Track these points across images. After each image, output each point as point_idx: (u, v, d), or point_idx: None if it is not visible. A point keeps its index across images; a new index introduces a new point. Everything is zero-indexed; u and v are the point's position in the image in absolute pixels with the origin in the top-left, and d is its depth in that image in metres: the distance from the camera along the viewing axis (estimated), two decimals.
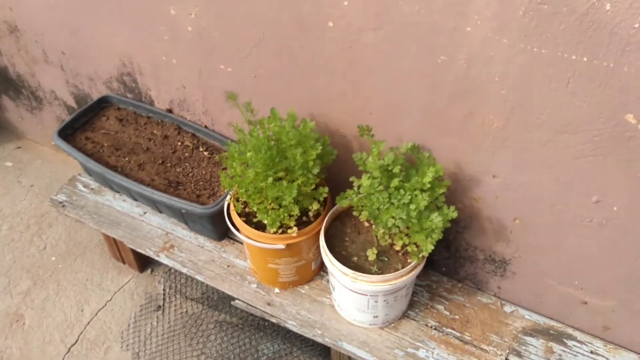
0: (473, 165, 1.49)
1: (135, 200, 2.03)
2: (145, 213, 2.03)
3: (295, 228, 1.56)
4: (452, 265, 1.79)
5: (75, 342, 2.09)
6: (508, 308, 1.74)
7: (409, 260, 1.55)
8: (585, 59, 1.16)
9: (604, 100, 1.19)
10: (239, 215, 1.63)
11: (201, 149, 1.98)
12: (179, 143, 2.00)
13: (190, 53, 1.79)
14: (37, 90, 2.48)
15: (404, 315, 1.72)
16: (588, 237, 1.45)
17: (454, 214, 1.44)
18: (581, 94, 1.21)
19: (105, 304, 2.20)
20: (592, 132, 1.25)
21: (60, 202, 2.07)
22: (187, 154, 1.97)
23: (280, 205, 1.55)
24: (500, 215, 1.55)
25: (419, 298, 1.77)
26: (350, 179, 1.53)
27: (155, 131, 2.04)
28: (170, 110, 2.07)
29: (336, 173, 1.74)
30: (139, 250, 1.94)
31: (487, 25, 1.21)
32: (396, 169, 1.45)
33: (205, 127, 2.02)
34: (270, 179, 1.49)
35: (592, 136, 1.26)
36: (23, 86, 2.52)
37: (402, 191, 1.45)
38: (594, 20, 1.10)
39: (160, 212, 1.98)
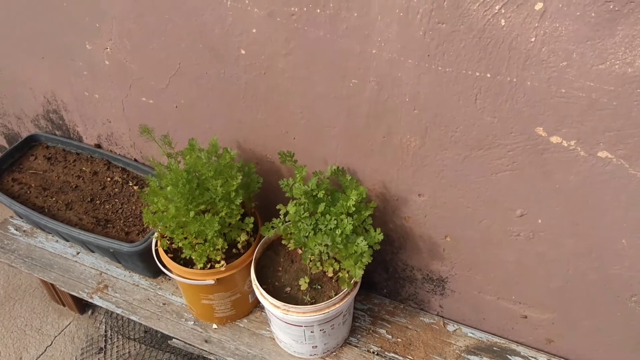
0: (398, 184, 1.46)
1: (67, 241, 1.96)
2: (78, 253, 1.96)
3: (223, 262, 1.52)
4: (392, 286, 1.76)
5: None
6: (451, 327, 1.72)
7: (342, 287, 1.51)
8: (488, 75, 1.14)
9: (512, 115, 1.18)
10: (166, 252, 1.58)
11: (131, 184, 1.92)
12: (109, 179, 1.94)
13: (111, 87, 1.75)
14: None
15: (346, 343, 1.68)
16: (517, 250, 1.43)
17: (380, 236, 1.41)
18: (490, 110, 1.20)
19: (45, 350, 2.11)
20: (506, 147, 1.24)
21: None
22: (116, 190, 1.91)
23: (205, 240, 1.50)
24: (432, 233, 1.53)
25: (361, 323, 1.73)
26: (277, 207, 1.49)
27: (84, 168, 1.98)
28: (99, 146, 2.02)
29: (267, 200, 1.70)
30: (72, 293, 1.87)
31: (391, 47, 1.20)
32: (321, 194, 1.42)
33: (135, 160, 1.97)
34: (192, 213, 1.45)
35: (507, 151, 1.25)
36: None
37: (328, 216, 1.42)
38: (492, 37, 1.09)
39: (93, 251, 1.92)
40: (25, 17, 1.72)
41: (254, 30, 1.34)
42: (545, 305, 1.53)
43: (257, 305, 1.78)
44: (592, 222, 1.28)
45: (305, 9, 1.23)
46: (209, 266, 1.54)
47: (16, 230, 2.05)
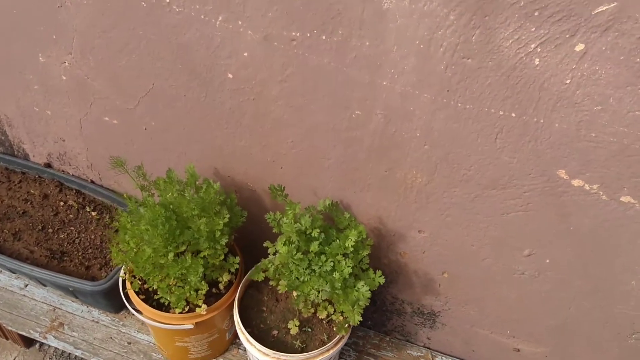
0: (396, 220, 1.36)
1: (14, 272, 1.74)
2: (26, 286, 1.75)
3: (204, 305, 1.37)
4: (378, 318, 1.66)
5: None
6: (439, 359, 1.64)
7: (334, 329, 1.40)
8: (513, 114, 1.06)
9: (534, 156, 1.10)
10: (137, 293, 1.41)
11: (88, 209, 1.72)
12: (62, 203, 1.74)
13: (67, 104, 1.55)
14: None
15: None
16: (519, 288, 1.37)
17: (382, 280, 1.31)
18: (510, 150, 1.11)
19: None
20: (523, 188, 1.16)
21: None
22: (71, 216, 1.71)
23: (183, 281, 1.35)
24: (428, 269, 1.44)
25: (346, 359, 1.62)
26: (265, 244, 1.36)
27: (32, 190, 1.77)
28: (49, 165, 1.80)
29: (246, 231, 1.56)
30: (21, 332, 1.66)
31: (405, 80, 1.09)
32: (315, 233, 1.29)
33: (92, 182, 1.77)
34: (170, 255, 1.29)
35: (523, 191, 1.17)
36: None
37: (323, 257, 1.29)
38: (523, 76, 1.00)
39: (44, 285, 1.71)
40: None
41: (246, 54, 1.19)
42: (540, 340, 1.48)
43: (233, 342, 1.64)
44: (603, 264, 1.23)
45: (308, 35, 1.10)
46: (187, 309, 1.38)
47: None
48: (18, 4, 1.37)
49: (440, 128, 1.13)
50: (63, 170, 1.79)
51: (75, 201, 1.74)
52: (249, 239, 1.56)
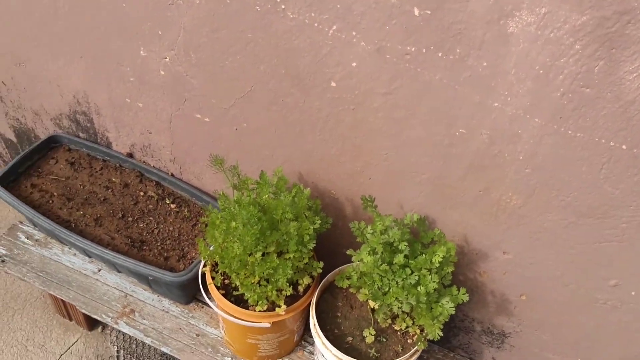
0: (482, 239, 1.37)
1: (88, 256, 1.79)
2: (99, 270, 1.79)
3: (284, 306, 1.39)
4: (445, 333, 1.67)
5: None
6: None
7: (409, 342, 1.41)
8: (624, 146, 1.06)
9: (638, 189, 1.10)
10: (218, 288, 1.45)
11: (167, 201, 1.77)
12: (142, 193, 1.78)
13: (160, 98, 1.59)
14: None
15: None
16: (599, 317, 1.36)
17: (465, 297, 1.32)
18: (614, 181, 1.11)
19: None
20: (621, 219, 1.16)
21: (0, 257, 1.80)
22: (151, 206, 1.75)
23: (267, 281, 1.37)
24: (506, 291, 1.44)
25: None
26: (348, 252, 1.38)
27: (113, 178, 1.82)
28: (130, 155, 1.85)
29: (323, 236, 1.58)
30: (94, 316, 1.71)
31: (517, 102, 1.09)
32: (402, 246, 1.31)
33: (172, 175, 1.81)
34: (258, 254, 1.32)
35: (620, 222, 1.16)
36: None
37: (407, 270, 1.31)
38: None
39: (119, 272, 1.76)
40: (71, 11, 1.54)
41: (354, 64, 1.21)
42: None
43: (300, 343, 1.66)
44: None
45: (424, 50, 1.12)
46: (265, 307, 1.41)
47: (27, 238, 1.86)
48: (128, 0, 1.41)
49: (546, 153, 1.14)
50: (144, 161, 1.84)
51: (154, 192, 1.78)
52: (324, 243, 1.58)
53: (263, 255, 1.35)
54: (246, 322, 1.42)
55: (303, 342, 1.67)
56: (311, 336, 1.49)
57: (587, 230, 1.21)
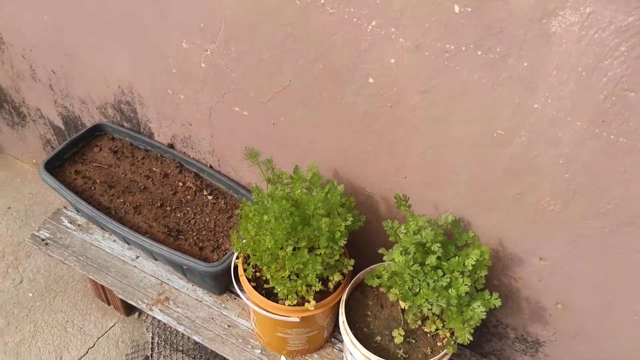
0: (518, 244, 1.34)
1: (128, 243, 1.83)
2: (137, 257, 1.84)
3: (313, 301, 1.39)
4: (477, 339, 1.64)
5: None
6: None
7: (438, 344, 1.39)
8: None
9: None
10: (249, 280, 1.46)
11: (205, 192, 1.79)
12: (181, 183, 1.81)
13: (201, 90, 1.61)
14: (20, 106, 2.27)
15: None
16: (637, 330, 1.31)
17: (498, 302, 1.29)
18: None
19: (87, 352, 2.00)
20: None
21: (43, 240, 1.86)
22: (189, 197, 1.78)
23: (297, 275, 1.37)
24: (541, 298, 1.41)
25: None
26: (380, 251, 1.37)
27: (154, 168, 1.85)
28: (171, 146, 1.88)
29: (355, 233, 1.57)
30: (130, 302, 1.75)
31: (558, 105, 1.06)
32: (435, 247, 1.29)
33: (210, 167, 1.84)
34: (289, 249, 1.32)
35: None
36: (5, 100, 2.30)
37: (439, 271, 1.29)
38: None
39: (156, 259, 1.79)
40: (118, 2, 1.58)
41: (392, 61, 1.20)
42: None
43: (330, 340, 1.66)
44: None
45: (463, 49, 1.10)
46: (295, 302, 1.41)
47: (70, 223, 1.92)
48: None
49: (587, 158, 1.10)
50: (184, 153, 1.87)
51: (193, 183, 1.81)
52: (356, 241, 1.57)
53: (294, 250, 1.35)
54: (275, 316, 1.43)
55: (333, 339, 1.67)
56: (341, 333, 1.48)
57: (629, 240, 1.17)
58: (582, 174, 1.13)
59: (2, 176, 2.54)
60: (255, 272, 1.47)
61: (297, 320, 1.42)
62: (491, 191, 1.28)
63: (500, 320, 1.54)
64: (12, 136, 2.51)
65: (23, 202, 2.45)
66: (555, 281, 1.34)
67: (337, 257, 1.37)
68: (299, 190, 1.32)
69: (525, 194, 1.23)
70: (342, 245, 1.34)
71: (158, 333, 2.03)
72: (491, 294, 1.30)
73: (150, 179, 1.82)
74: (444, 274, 1.28)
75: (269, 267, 1.37)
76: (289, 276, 1.38)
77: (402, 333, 1.39)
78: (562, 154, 1.12)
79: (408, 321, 1.40)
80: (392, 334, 1.40)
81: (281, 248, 1.34)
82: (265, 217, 1.33)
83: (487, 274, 1.40)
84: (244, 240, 1.40)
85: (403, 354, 1.38)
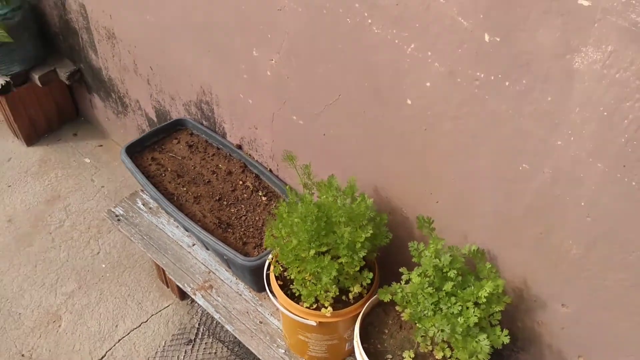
0: (542, 286, 1.30)
1: (187, 230, 1.97)
2: (193, 245, 1.97)
3: (329, 308, 1.43)
4: None
5: (102, 358, 2.06)
6: None
7: None
8: None
9: None
10: (277, 277, 1.53)
11: (260, 193, 1.89)
12: (241, 182, 1.93)
13: (266, 97, 1.72)
14: (124, 96, 2.52)
15: None
16: None
17: (506, 339, 1.26)
18: None
19: (140, 325, 2.16)
20: None
21: (117, 216, 2.06)
22: (245, 195, 1.89)
23: (318, 280, 1.42)
24: (563, 348, 1.35)
25: None
26: (400, 270, 1.38)
27: (220, 165, 1.99)
28: (239, 147, 2.01)
29: (391, 253, 1.60)
30: (178, 283, 1.88)
31: (581, 144, 1.04)
32: (452, 274, 1.29)
33: (270, 170, 1.94)
34: (312, 252, 1.38)
35: None
36: (113, 90, 2.57)
37: (453, 299, 1.28)
38: None
39: (207, 249, 1.92)
40: (201, 10, 1.74)
41: (428, 84, 1.23)
42: None
43: (352, 353, 1.69)
44: None
45: (492, 78, 1.11)
46: (315, 306, 1.46)
47: (143, 205, 2.10)
48: (246, 2, 1.56)
49: (608, 203, 1.06)
50: (250, 154, 1.99)
51: (252, 184, 1.92)
52: (389, 263, 1.59)
53: (317, 254, 1.40)
54: (294, 316, 1.48)
55: (354, 353, 1.69)
56: None
57: None
58: (603, 220, 1.09)
59: (103, 158, 2.82)
60: (284, 271, 1.54)
61: (314, 324, 1.47)
62: (515, 227, 1.26)
63: None
64: (116, 123, 2.78)
65: (115, 183, 2.70)
66: (577, 332, 1.28)
67: (357, 268, 1.41)
68: (326, 197, 1.38)
69: (548, 233, 1.20)
70: (362, 256, 1.37)
71: (205, 322, 2.15)
72: (502, 331, 1.27)
73: (215, 174, 1.96)
74: (456, 302, 1.27)
75: (292, 267, 1.44)
76: (310, 280, 1.44)
77: (412, 355, 1.39)
78: (584, 195, 1.09)
79: (418, 341, 1.39)
80: (403, 355, 1.40)
81: (305, 250, 1.40)
82: (295, 218, 1.39)
83: (508, 312, 1.37)
84: (275, 239, 1.47)
85: None
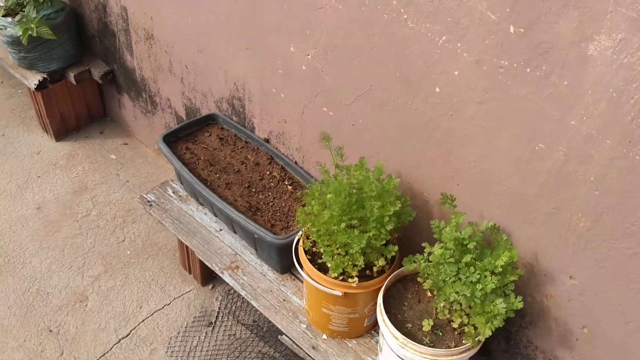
0: (551, 260, 1.43)
1: (215, 215, 2.11)
2: (221, 230, 2.10)
3: (356, 279, 1.56)
4: (507, 359, 1.71)
5: (126, 336, 2.17)
6: None
7: (463, 341, 1.50)
8: None
9: None
10: (305, 252, 1.66)
11: (286, 183, 2.04)
12: (268, 172, 2.07)
13: (298, 90, 1.88)
14: (155, 95, 2.67)
15: None
16: None
17: (520, 304, 1.39)
18: None
19: (163, 307, 2.27)
20: None
21: (149, 201, 2.19)
22: (272, 184, 2.03)
23: (346, 253, 1.55)
24: (569, 320, 1.48)
25: None
26: (423, 244, 1.52)
27: (249, 156, 2.13)
28: (267, 140, 2.16)
29: (410, 235, 1.73)
30: (207, 263, 2.01)
31: (592, 123, 1.19)
32: (471, 245, 1.42)
33: (295, 162, 2.08)
34: (343, 224, 1.51)
35: None
36: (144, 90, 2.72)
37: (472, 269, 1.42)
38: None
39: (235, 232, 2.05)
40: (244, 10, 1.90)
41: (456, 73, 1.39)
42: None
43: (370, 331, 1.81)
44: None
45: (515, 65, 1.26)
46: (341, 278, 1.59)
47: (173, 193, 2.24)
48: (289, 2, 1.72)
49: (614, 177, 1.21)
50: (276, 147, 2.14)
51: (278, 174, 2.06)
52: (408, 244, 1.72)
53: (347, 227, 1.54)
54: (321, 286, 1.61)
55: (372, 332, 1.81)
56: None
57: None
58: (609, 193, 1.23)
59: (128, 155, 2.96)
60: (312, 247, 1.67)
61: (340, 294, 1.59)
62: (529, 204, 1.40)
63: (530, 341, 1.61)
64: (143, 123, 2.93)
65: (140, 178, 2.83)
66: (582, 302, 1.42)
67: (383, 242, 1.54)
68: (358, 172, 1.52)
69: (559, 209, 1.34)
70: (389, 229, 1.51)
71: (226, 305, 2.27)
72: (516, 297, 1.40)
73: (244, 165, 2.10)
74: (475, 271, 1.41)
75: (323, 240, 1.57)
76: (338, 252, 1.57)
77: (431, 323, 1.52)
78: (593, 171, 1.24)
79: (437, 310, 1.52)
80: (422, 323, 1.53)
81: (336, 225, 1.54)
82: (328, 193, 1.53)
83: (518, 287, 1.50)
84: (307, 215, 1.61)
85: (428, 342, 1.50)
